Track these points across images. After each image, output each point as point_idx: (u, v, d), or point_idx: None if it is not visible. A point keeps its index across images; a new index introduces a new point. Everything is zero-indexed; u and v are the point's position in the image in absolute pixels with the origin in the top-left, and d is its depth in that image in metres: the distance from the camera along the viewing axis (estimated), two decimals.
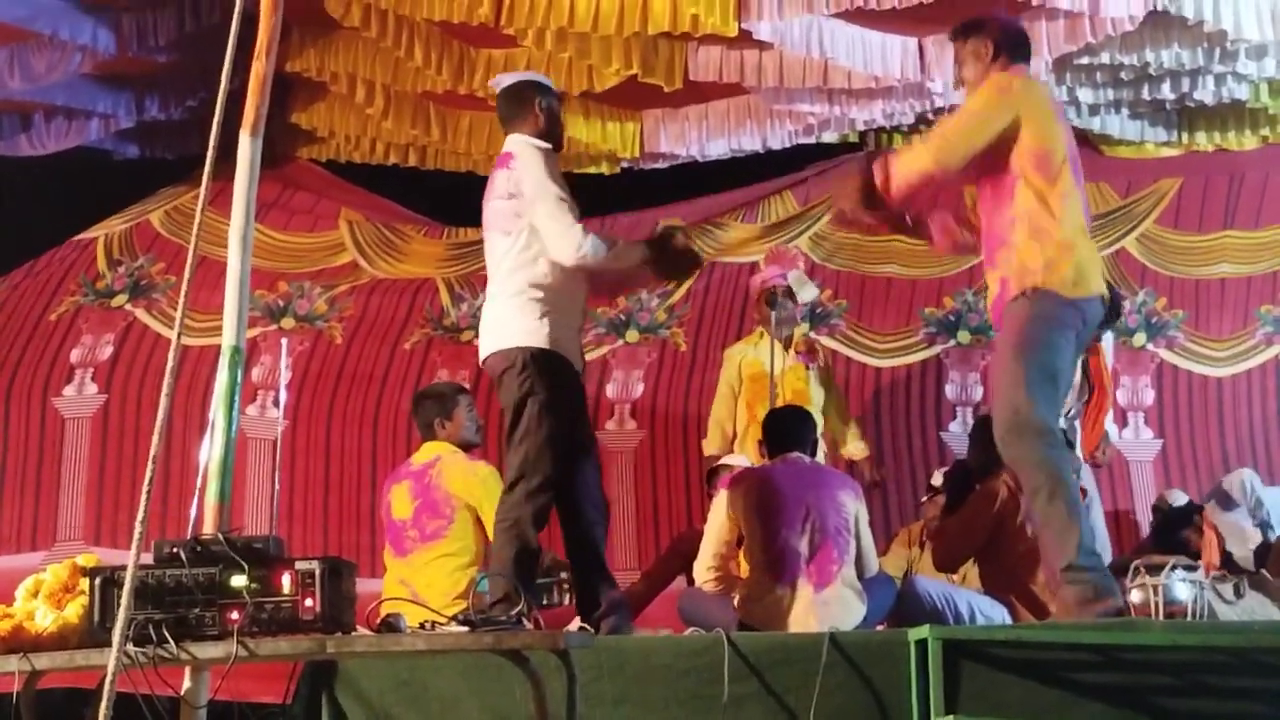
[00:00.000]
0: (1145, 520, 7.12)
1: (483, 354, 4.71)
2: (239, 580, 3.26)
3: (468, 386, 5.60)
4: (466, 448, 5.46)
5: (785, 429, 5.43)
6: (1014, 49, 4.56)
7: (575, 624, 4.33)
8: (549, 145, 4.77)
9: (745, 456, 6.12)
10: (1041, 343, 4.27)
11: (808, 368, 6.56)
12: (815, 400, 6.45)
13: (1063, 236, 4.28)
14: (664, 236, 4.94)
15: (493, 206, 4.72)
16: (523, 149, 4.71)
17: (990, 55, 4.49)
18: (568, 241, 4.55)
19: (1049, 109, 4.45)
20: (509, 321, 4.60)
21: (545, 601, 5.35)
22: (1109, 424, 6.61)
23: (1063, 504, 4.15)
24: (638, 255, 4.80)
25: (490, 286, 4.75)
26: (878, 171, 4.34)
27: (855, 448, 6.70)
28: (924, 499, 6.81)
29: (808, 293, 6.62)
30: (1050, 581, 4.32)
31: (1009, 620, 5.02)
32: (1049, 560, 4.29)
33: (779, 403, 6.13)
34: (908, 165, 4.33)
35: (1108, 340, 6.49)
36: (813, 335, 7.03)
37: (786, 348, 6.48)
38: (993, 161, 4.34)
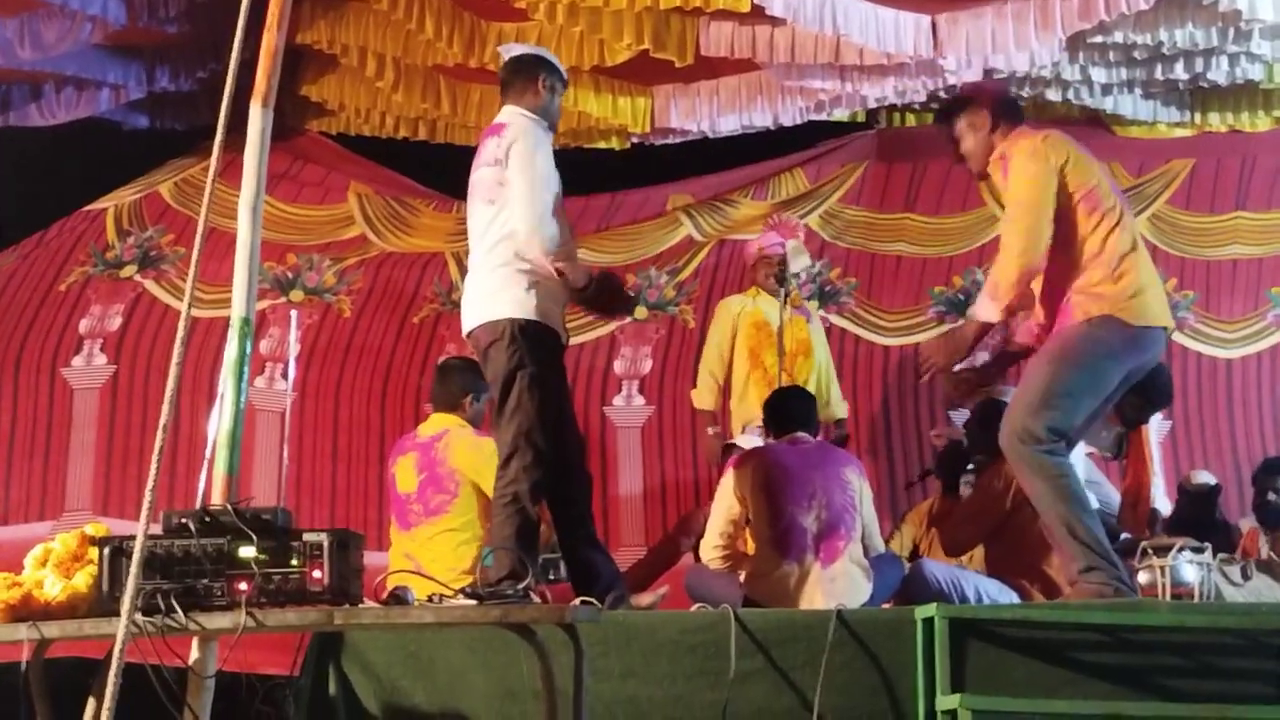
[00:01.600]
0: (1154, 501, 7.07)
1: (466, 326, 4.65)
2: (247, 551, 3.28)
3: None
4: (476, 424, 5.45)
5: (789, 409, 5.48)
6: (1009, 114, 4.56)
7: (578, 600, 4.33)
8: (544, 122, 4.73)
9: (752, 436, 6.12)
10: (1083, 365, 4.25)
11: (808, 320, 6.70)
12: (815, 349, 6.59)
13: (1129, 267, 4.27)
14: (607, 278, 4.84)
15: (479, 175, 4.66)
16: (516, 119, 4.67)
17: (989, 126, 4.50)
18: (532, 222, 4.47)
19: (1078, 151, 4.43)
20: (496, 293, 4.54)
21: (551, 577, 5.35)
22: (1161, 502, 6.19)
23: (1067, 507, 4.15)
24: (581, 278, 4.62)
25: (473, 257, 4.69)
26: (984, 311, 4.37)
27: (839, 408, 6.76)
28: (915, 480, 6.79)
29: (801, 261, 6.63)
30: (1067, 573, 4.30)
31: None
32: (1063, 562, 4.29)
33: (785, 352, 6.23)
34: (1006, 280, 4.31)
35: (1155, 421, 6.23)
36: (824, 315, 7.05)
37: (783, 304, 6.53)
38: None
